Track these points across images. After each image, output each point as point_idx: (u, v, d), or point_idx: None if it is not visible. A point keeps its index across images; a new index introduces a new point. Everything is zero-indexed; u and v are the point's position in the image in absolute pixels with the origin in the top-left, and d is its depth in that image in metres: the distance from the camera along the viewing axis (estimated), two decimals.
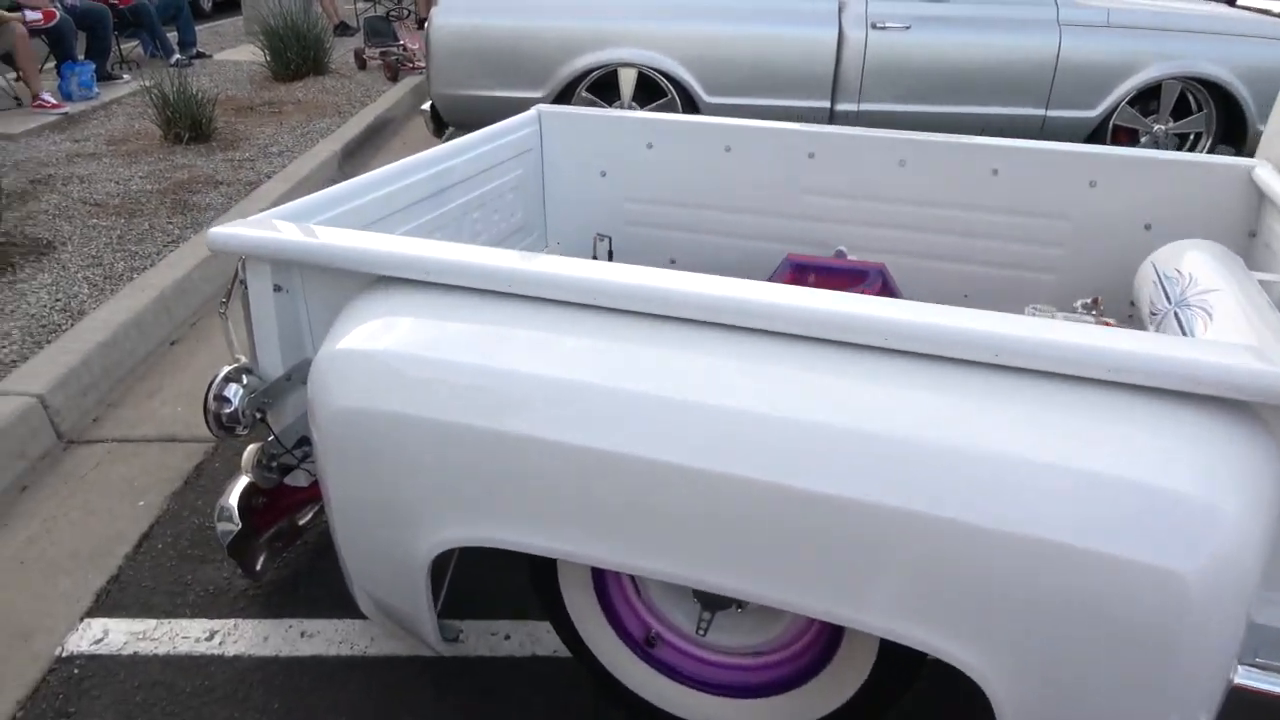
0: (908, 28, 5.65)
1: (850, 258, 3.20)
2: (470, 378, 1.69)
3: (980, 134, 5.92)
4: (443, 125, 5.96)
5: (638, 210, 3.46)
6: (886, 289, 2.97)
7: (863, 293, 2.90)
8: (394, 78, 8.82)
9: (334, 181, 5.70)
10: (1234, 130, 5.89)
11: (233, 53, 10.14)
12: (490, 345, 1.71)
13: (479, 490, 1.71)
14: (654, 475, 1.56)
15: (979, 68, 5.72)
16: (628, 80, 5.71)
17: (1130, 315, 2.76)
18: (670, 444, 1.54)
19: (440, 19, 5.53)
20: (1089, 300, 2.88)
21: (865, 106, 5.76)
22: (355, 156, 6.57)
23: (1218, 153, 5.91)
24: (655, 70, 5.67)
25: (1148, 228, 2.96)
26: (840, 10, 5.65)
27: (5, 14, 6.95)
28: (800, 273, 3.04)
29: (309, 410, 1.88)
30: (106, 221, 4.80)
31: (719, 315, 1.58)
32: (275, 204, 5.07)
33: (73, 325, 3.50)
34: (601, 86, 5.75)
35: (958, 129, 5.94)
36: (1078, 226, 3.02)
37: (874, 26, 5.64)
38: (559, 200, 3.53)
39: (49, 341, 3.37)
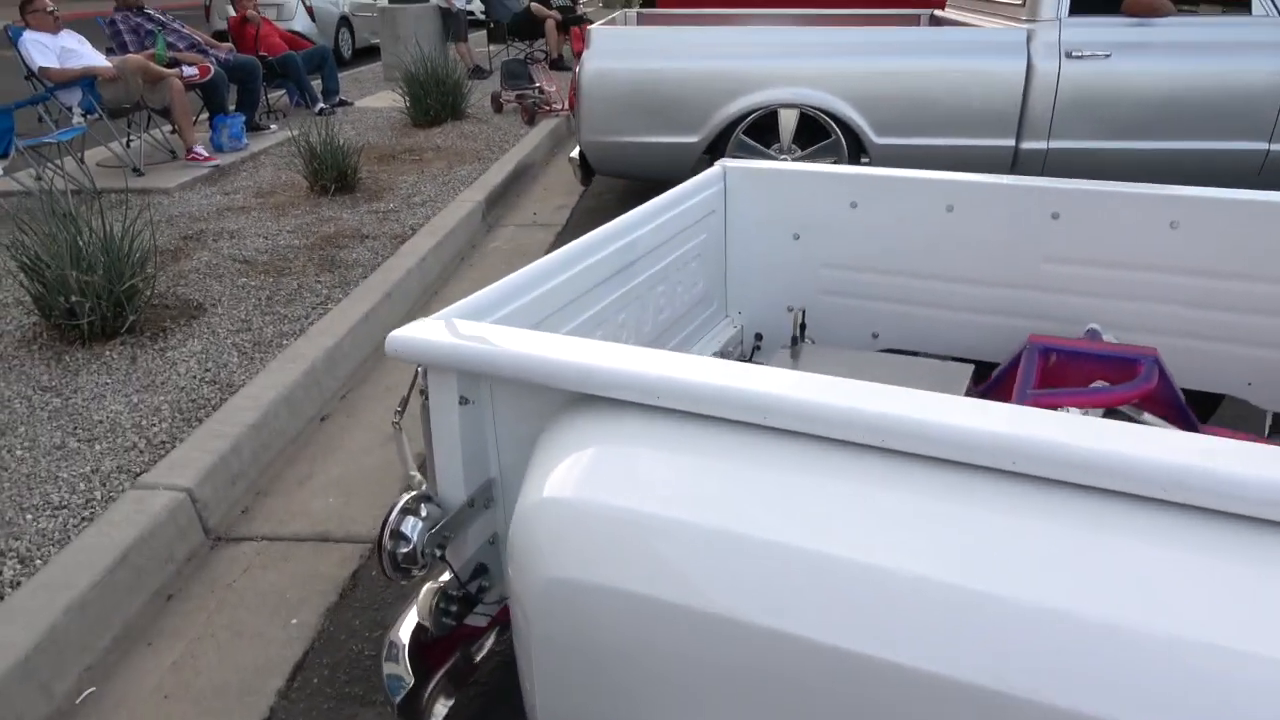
0: (1108, 55, 5.04)
1: (1106, 338, 2.66)
2: (726, 551, 1.28)
3: (1187, 174, 5.30)
4: (591, 173, 5.67)
5: (835, 278, 3.01)
6: (1164, 382, 2.42)
7: (1139, 390, 2.37)
8: (531, 121, 8.67)
9: (479, 235, 5.46)
10: None
11: (373, 99, 10.25)
12: (759, 504, 1.29)
13: (746, 708, 1.29)
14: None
15: (1190, 97, 5.05)
16: (788, 122, 5.30)
17: None
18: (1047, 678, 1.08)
19: (591, 63, 5.25)
20: None
21: (1056, 144, 5.17)
22: (498, 205, 6.37)
23: None
24: (819, 110, 5.23)
25: None
26: (1029, 39, 5.09)
27: (164, 70, 7.08)
28: (1051, 360, 2.53)
29: (506, 576, 1.51)
30: (255, 280, 4.66)
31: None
32: (423, 260, 4.88)
33: (222, 402, 3.29)
34: (760, 129, 5.35)
35: (1163, 167, 5.31)
36: None
37: (1069, 55, 5.05)
38: (743, 266, 3.12)
39: (199, 421, 3.16)
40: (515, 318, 2.05)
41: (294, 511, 2.91)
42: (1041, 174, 5.29)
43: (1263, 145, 5.13)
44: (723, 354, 2.97)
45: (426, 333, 1.71)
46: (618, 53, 5.26)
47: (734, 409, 1.39)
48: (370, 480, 3.05)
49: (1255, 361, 2.63)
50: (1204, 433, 2.54)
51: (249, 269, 4.85)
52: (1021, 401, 2.26)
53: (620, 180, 6.53)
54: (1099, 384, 2.50)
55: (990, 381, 2.65)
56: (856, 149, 5.33)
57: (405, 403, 1.86)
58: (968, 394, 2.64)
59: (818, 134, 5.34)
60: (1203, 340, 2.66)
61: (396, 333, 1.72)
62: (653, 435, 1.47)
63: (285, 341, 3.88)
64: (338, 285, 4.58)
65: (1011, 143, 5.19)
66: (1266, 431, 2.74)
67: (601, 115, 5.32)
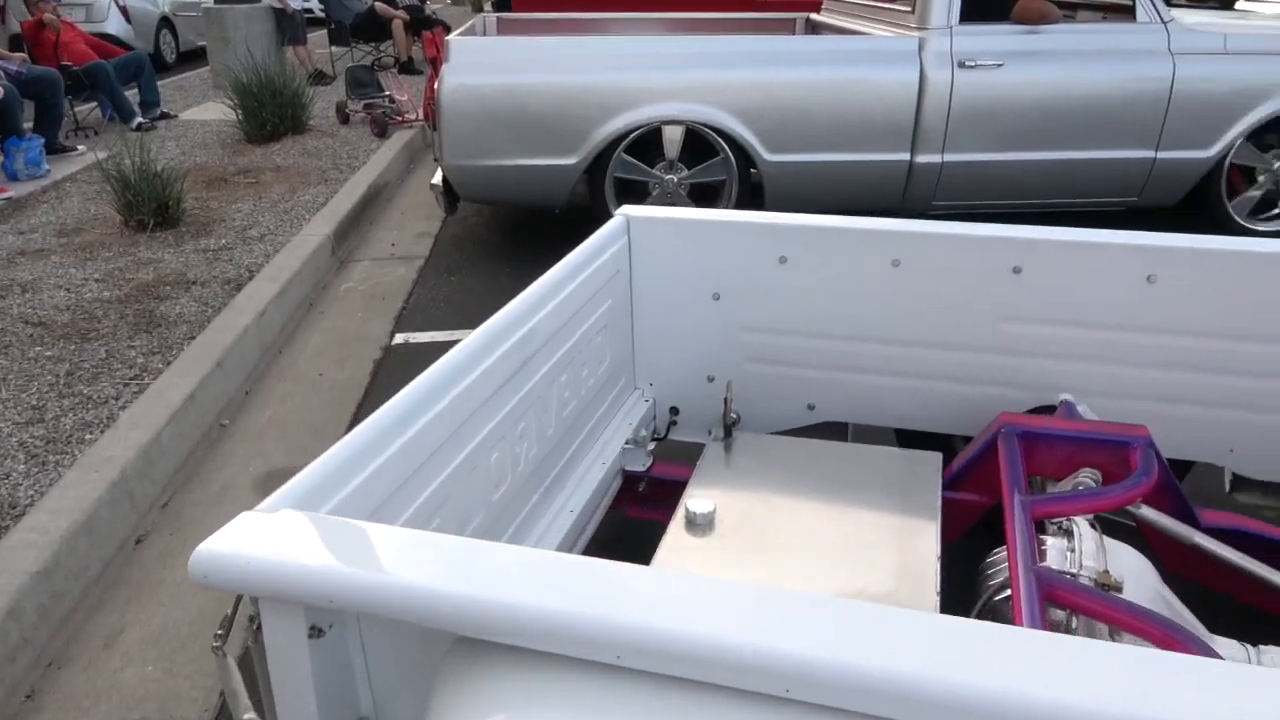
0: (1000, 65, 4.82)
1: (1081, 410, 2.31)
2: None
3: (1077, 184, 5.16)
4: (456, 200, 5.07)
5: (762, 344, 2.56)
6: (1162, 469, 2.08)
7: (1142, 487, 2.02)
8: (382, 133, 7.92)
9: (329, 273, 4.75)
10: None
11: (200, 111, 9.21)
12: None
13: None
14: None
15: (1082, 106, 4.90)
16: (674, 139, 4.85)
17: None
18: None
19: (451, 79, 4.64)
20: None
21: (951, 157, 4.93)
22: (349, 236, 5.65)
23: None
24: (706, 126, 4.80)
25: None
26: (920, 48, 4.81)
27: None
28: (1034, 445, 2.15)
29: None
30: (52, 349, 3.85)
31: None
32: (263, 314, 4.14)
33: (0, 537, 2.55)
34: (642, 146, 4.88)
35: (1054, 178, 5.16)
36: None
37: (961, 65, 4.80)
38: (654, 332, 2.63)
39: None
40: (386, 474, 1.50)
41: (99, 689, 2.23)
42: (936, 189, 5.03)
43: (1150, 153, 5.03)
44: (635, 440, 2.46)
45: (252, 545, 1.15)
46: (480, 66, 4.67)
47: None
48: (202, 632, 2.40)
49: (1238, 427, 2.34)
50: (1203, 519, 2.22)
51: (44, 334, 4.01)
52: (1022, 511, 1.85)
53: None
54: (1086, 473, 2.13)
55: (961, 469, 2.26)
56: (748, 167, 4.93)
57: (229, 624, 1.29)
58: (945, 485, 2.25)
59: (705, 151, 4.91)
60: (1183, 406, 2.34)
61: (206, 547, 1.16)
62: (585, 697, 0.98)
63: (89, 435, 3.13)
64: (157, 350, 3.82)
65: (906, 157, 4.92)
66: (1228, 489, 2.46)
67: (465, 137, 4.72)
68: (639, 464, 2.45)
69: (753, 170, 4.93)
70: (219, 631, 1.25)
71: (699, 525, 2.04)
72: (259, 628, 1.22)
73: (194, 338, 3.91)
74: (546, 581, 1.06)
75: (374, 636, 1.30)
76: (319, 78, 10.66)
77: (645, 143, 4.87)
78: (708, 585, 1.05)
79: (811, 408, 2.60)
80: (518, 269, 5.09)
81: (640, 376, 2.69)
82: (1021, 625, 1.59)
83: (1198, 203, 5.27)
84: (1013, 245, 2.30)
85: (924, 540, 1.98)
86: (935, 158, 4.94)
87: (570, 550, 2.13)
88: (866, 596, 1.80)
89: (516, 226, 5.88)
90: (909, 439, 2.63)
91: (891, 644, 0.95)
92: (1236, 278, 2.20)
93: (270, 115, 7.67)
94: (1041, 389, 2.41)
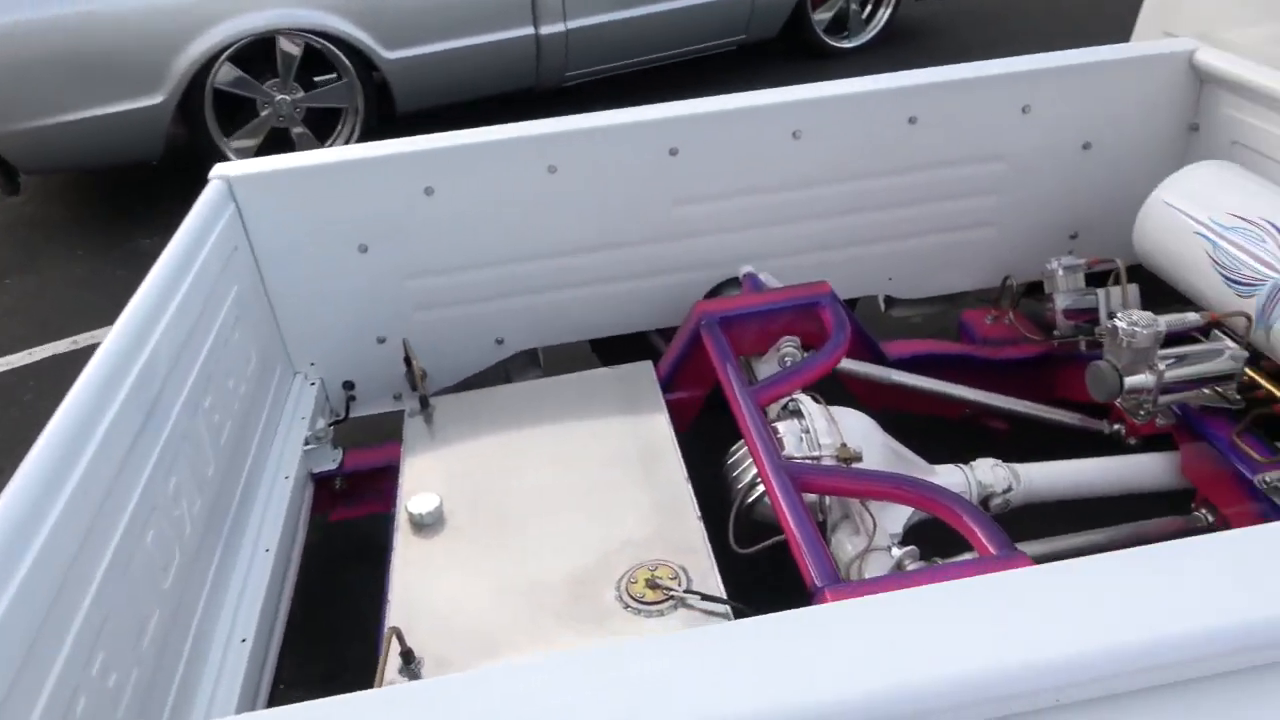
0: None
1: (763, 277, 2.31)
2: None
3: (693, 31, 5.24)
4: (14, 175, 4.04)
5: (428, 288, 2.28)
6: (850, 319, 2.14)
7: (844, 345, 2.05)
8: None
9: None
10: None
11: None
12: None
13: None
14: None
15: None
16: (282, 55, 4.19)
17: (1132, 265, 2.18)
18: None
19: None
20: (1070, 259, 2.27)
21: (574, 23, 4.78)
22: None
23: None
24: (311, 33, 4.18)
25: (1086, 147, 2.40)
26: None
27: None
28: (733, 327, 2.11)
29: None
30: None
31: None
32: None
33: None
34: (253, 71, 4.17)
35: (673, 27, 5.12)
36: (1013, 165, 2.38)
37: None
38: (299, 307, 2.24)
39: None
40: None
41: None
42: (567, 59, 4.88)
43: None
44: (314, 435, 2.11)
45: None
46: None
47: None
48: None
49: (893, 256, 2.48)
50: (892, 354, 2.35)
51: None
52: (750, 404, 1.80)
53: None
54: (788, 342, 2.14)
55: (672, 369, 2.18)
56: (367, 71, 4.40)
57: None
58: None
59: (318, 63, 4.30)
60: (849, 249, 2.43)
61: None
62: None
63: None
64: None
65: (530, 30, 4.70)
66: (883, 309, 2.64)
67: (10, 91, 3.71)
68: (328, 462, 2.10)
69: (375, 73, 4.43)
70: None
71: (428, 526, 1.78)
72: None
73: None
74: None
75: None
76: None
77: (254, 66, 4.16)
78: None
79: (500, 342, 2.38)
80: (99, 253, 4.18)
81: (298, 359, 2.29)
82: (786, 523, 1.55)
83: (793, 32, 5.59)
84: (665, 127, 2.19)
85: (667, 460, 1.89)
86: (559, 26, 4.77)
87: (280, 592, 1.78)
88: (634, 542, 1.68)
89: (109, 188, 4.82)
90: (606, 352, 2.51)
91: None
92: (869, 119, 2.27)
93: None
94: (722, 265, 2.38)
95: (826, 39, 5.66)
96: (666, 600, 1.54)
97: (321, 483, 2.14)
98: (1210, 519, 1.91)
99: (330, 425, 2.22)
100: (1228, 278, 1.93)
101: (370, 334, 2.31)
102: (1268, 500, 1.73)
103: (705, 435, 2.11)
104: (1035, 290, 2.49)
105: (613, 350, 2.49)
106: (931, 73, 2.30)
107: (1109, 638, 0.90)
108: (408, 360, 2.24)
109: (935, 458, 1.97)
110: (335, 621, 2.18)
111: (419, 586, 1.65)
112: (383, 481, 2.11)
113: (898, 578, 1.41)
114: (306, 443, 2.09)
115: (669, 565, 1.61)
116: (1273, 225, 1.89)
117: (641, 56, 5.15)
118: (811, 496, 1.72)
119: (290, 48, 4.21)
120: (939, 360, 2.34)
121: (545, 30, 4.72)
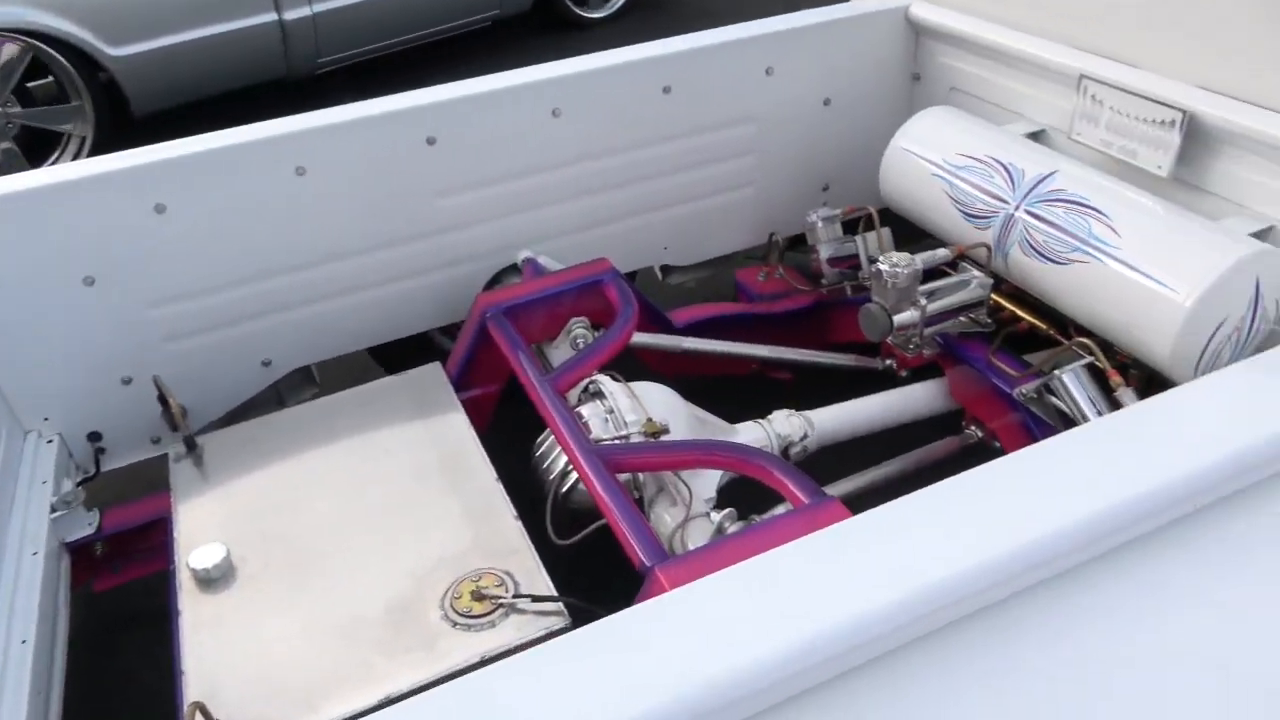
0: None
1: (542, 260, 2.26)
2: None
3: (444, 9, 5.03)
4: None
5: (175, 315, 2.06)
6: (635, 292, 2.14)
7: (633, 322, 2.04)
8: None
9: None
10: None
11: None
12: None
13: None
14: None
15: None
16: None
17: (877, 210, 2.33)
18: None
19: None
20: (826, 211, 2.39)
21: (320, 7, 4.48)
22: None
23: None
24: (12, 33, 3.62)
25: (827, 103, 2.53)
26: None
27: None
28: (520, 316, 2.05)
29: None
30: None
31: None
32: None
33: None
34: None
35: (424, 6, 4.93)
36: (763, 125, 2.47)
37: None
38: (20, 355, 1.94)
39: None
40: None
41: None
42: (317, 44, 4.56)
43: None
44: (61, 501, 1.85)
45: None
46: None
47: None
48: None
49: (667, 224, 2.51)
50: (679, 321, 2.37)
51: None
52: (549, 393, 1.76)
53: None
54: (577, 324, 2.12)
55: (462, 367, 2.09)
56: (91, 71, 3.89)
57: None
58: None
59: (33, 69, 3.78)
60: (625, 221, 2.43)
61: None
62: None
63: None
64: None
65: (273, 15, 4.35)
66: (661, 277, 2.69)
67: None
68: (83, 528, 1.85)
69: (101, 73, 3.92)
70: None
71: (216, 581, 1.59)
72: None
73: None
74: None
75: None
76: None
77: None
78: None
79: (267, 364, 2.19)
80: None
81: (27, 416, 1.99)
82: (605, 507, 1.53)
83: (546, 5, 5.57)
84: (418, 115, 2.08)
85: (472, 462, 1.81)
86: (304, 10, 4.46)
87: (48, 688, 1.54)
88: (451, 555, 1.59)
89: None
90: (389, 358, 2.38)
91: None
92: (626, 91, 2.26)
93: None
94: (499, 253, 2.31)
95: (576, 10, 5.71)
96: (496, 609, 1.47)
97: (79, 551, 1.87)
98: (980, 434, 2.09)
99: (79, 485, 1.95)
100: (965, 213, 2.10)
101: (112, 375, 2.04)
102: (1026, 410, 1.91)
103: (509, 428, 2.05)
104: (799, 243, 2.61)
105: (395, 356, 2.36)
106: (681, 41, 2.33)
107: (931, 575, 0.94)
108: (162, 399, 2.01)
109: (734, 416, 2.02)
110: (122, 709, 1.93)
111: (217, 650, 1.48)
112: (154, 538, 1.88)
113: (722, 544, 1.43)
114: (53, 510, 1.82)
115: (493, 572, 1.54)
116: (997, 161, 2.07)
117: (397, 38, 4.94)
118: (626, 475, 1.70)
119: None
120: (722, 322, 2.40)
121: (290, 15, 4.39)
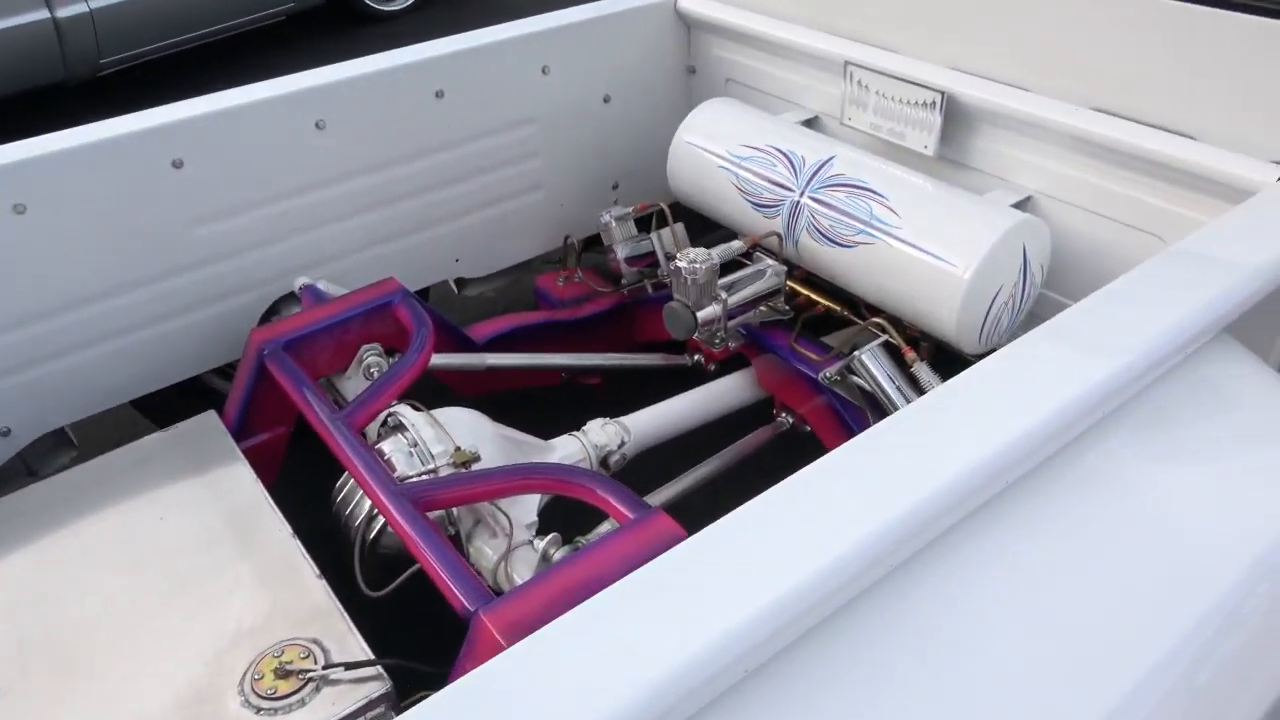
0: None
1: (322, 286, 2.09)
2: None
3: (234, 3, 4.61)
4: None
5: None
6: (428, 312, 2.01)
7: (429, 345, 1.90)
8: None
9: None
10: None
11: None
12: None
13: None
14: None
15: None
16: None
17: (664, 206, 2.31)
18: None
19: None
20: (618, 210, 2.35)
21: (100, 3, 4.01)
22: None
23: None
24: None
25: (607, 100, 2.49)
26: None
27: None
28: (304, 350, 1.87)
29: None
30: None
31: None
32: None
33: None
34: None
35: (211, 2, 4.62)
36: (545, 126, 2.40)
37: None
38: None
39: None
40: None
41: None
42: (98, 44, 4.07)
43: None
44: None
45: None
46: None
47: None
48: None
49: (457, 235, 2.39)
50: (479, 337, 2.25)
51: None
52: (344, 433, 1.61)
53: None
54: (369, 351, 1.96)
55: (242, 412, 1.88)
56: None
57: None
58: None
59: None
60: (410, 237, 2.29)
61: None
62: None
63: None
64: None
65: (45, 14, 3.87)
66: (456, 290, 2.58)
67: None
68: None
69: None
70: None
71: None
72: None
73: None
74: None
75: None
76: None
77: None
78: None
79: (6, 433, 1.89)
80: None
81: None
82: (418, 552, 1.41)
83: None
84: (160, 136, 1.86)
85: (262, 519, 1.62)
86: (80, 7, 4.00)
87: None
88: (248, 629, 1.42)
89: None
90: (156, 410, 2.12)
91: None
92: (395, 98, 2.13)
93: None
94: (273, 281, 2.11)
95: (371, 3, 5.50)
96: (305, 685, 1.31)
97: None
98: (791, 420, 2.12)
99: None
100: (754, 203, 2.12)
101: None
102: (831, 392, 1.95)
103: (304, 473, 1.87)
104: (596, 243, 2.56)
105: (163, 407, 2.11)
106: (449, 42, 2.21)
107: (773, 592, 0.90)
108: None
109: (548, 430, 1.94)
110: None
111: None
112: None
113: (549, 576, 1.34)
114: None
115: (297, 643, 1.38)
116: (777, 150, 2.10)
117: (183, 35, 4.55)
118: (439, 511, 1.59)
119: None
120: (525, 332, 2.31)
121: (63, 13, 3.92)
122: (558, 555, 1.49)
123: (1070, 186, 1.86)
